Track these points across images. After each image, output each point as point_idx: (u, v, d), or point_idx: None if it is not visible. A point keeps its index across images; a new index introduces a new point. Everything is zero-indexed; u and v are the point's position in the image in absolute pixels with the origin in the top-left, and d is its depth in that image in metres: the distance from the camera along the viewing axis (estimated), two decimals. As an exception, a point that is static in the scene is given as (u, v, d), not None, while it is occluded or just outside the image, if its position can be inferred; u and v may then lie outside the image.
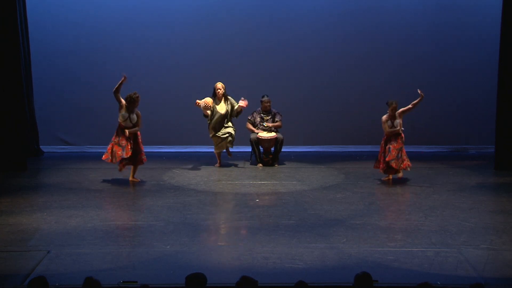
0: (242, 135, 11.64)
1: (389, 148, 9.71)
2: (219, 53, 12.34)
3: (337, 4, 12.41)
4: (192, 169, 10.97)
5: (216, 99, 10.88)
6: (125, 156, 9.69)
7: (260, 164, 11.21)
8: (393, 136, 9.75)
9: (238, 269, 6.39)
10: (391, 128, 9.74)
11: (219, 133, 10.87)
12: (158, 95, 12.16)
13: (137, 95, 9.78)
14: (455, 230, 7.64)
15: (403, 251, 6.94)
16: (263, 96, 11.36)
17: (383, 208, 8.90)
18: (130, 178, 9.96)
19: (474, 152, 12.47)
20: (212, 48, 12.34)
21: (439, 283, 6.00)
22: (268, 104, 11.32)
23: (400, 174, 9.94)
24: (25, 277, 6.19)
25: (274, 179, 10.34)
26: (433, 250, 6.99)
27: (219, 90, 10.88)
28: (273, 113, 11.40)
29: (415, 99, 9.86)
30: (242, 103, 10.86)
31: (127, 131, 9.67)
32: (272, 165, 11.21)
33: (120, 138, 9.74)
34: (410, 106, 9.86)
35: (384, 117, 9.82)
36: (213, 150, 11.16)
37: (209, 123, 10.90)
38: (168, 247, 7.12)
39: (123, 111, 9.75)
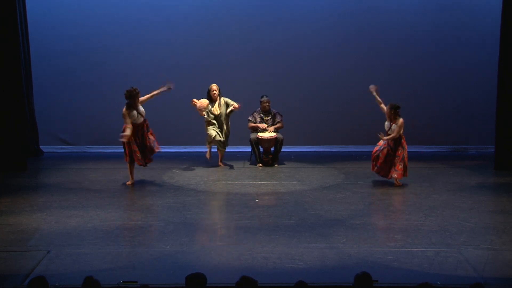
0: (242, 135, 11.65)
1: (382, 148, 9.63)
2: (219, 53, 12.35)
3: (337, 4, 12.41)
4: (192, 169, 10.97)
5: (211, 100, 10.89)
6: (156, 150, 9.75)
7: (260, 164, 11.21)
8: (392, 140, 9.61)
9: (238, 269, 6.39)
10: (388, 130, 9.61)
11: (214, 129, 10.84)
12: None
13: (135, 89, 9.66)
14: (455, 230, 7.64)
15: (403, 251, 6.95)
16: (262, 96, 11.36)
17: (383, 208, 8.89)
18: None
19: (474, 152, 12.47)
20: (212, 48, 12.34)
21: (439, 283, 6.00)
22: (267, 104, 11.32)
23: (395, 176, 9.76)
24: (25, 277, 6.20)
25: (274, 179, 10.34)
26: (433, 250, 6.99)
27: (214, 92, 10.88)
28: (273, 113, 11.40)
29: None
30: (235, 104, 10.87)
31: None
32: (272, 165, 11.21)
33: (134, 143, 9.65)
34: (395, 132, 9.48)
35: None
36: (214, 150, 11.16)
37: (206, 122, 10.92)
38: (168, 247, 7.13)
39: (131, 113, 9.60)
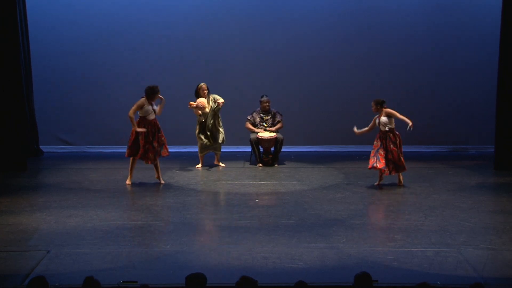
0: (242, 135, 11.66)
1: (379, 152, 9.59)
2: (219, 53, 12.35)
3: (337, 4, 12.41)
4: (192, 169, 10.97)
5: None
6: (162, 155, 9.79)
7: (260, 164, 11.21)
8: (383, 135, 9.58)
9: (238, 269, 6.39)
10: (378, 125, 9.60)
11: (205, 140, 10.87)
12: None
13: (156, 86, 9.72)
14: (455, 230, 7.64)
15: (402, 251, 6.95)
16: (262, 96, 11.36)
17: (383, 208, 8.90)
18: (156, 177, 9.96)
19: (474, 152, 12.47)
20: (212, 48, 12.34)
21: (439, 283, 6.00)
22: (267, 104, 11.32)
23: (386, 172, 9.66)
24: (25, 277, 6.20)
25: (274, 179, 10.34)
26: (433, 250, 6.99)
27: (205, 91, 10.88)
28: (272, 113, 11.40)
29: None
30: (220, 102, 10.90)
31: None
32: (272, 165, 11.21)
33: (147, 139, 9.63)
34: (398, 116, 9.51)
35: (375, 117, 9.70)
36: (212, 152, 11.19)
37: (198, 126, 10.91)
38: (168, 247, 7.13)
39: (146, 107, 9.62)
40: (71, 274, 6.29)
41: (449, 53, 12.38)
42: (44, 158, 12.05)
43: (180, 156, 11.73)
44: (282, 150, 11.35)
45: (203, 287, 5.06)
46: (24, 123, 11.17)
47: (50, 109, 12.42)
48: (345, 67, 12.43)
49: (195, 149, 11.24)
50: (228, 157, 11.50)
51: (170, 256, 6.84)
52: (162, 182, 9.90)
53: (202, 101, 10.75)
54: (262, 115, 11.39)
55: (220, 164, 11.15)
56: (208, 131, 10.92)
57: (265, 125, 11.32)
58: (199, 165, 11.07)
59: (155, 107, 9.78)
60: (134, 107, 9.63)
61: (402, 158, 9.57)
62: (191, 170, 10.89)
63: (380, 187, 9.68)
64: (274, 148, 11.29)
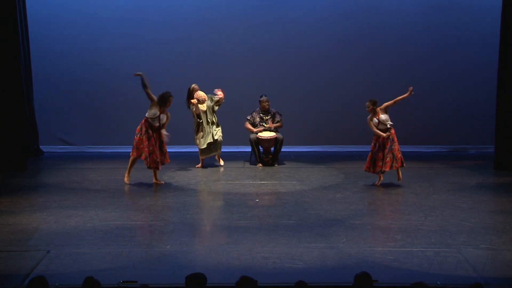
0: (242, 135, 11.66)
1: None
2: (219, 53, 12.35)
3: (337, 4, 12.41)
4: (192, 169, 10.97)
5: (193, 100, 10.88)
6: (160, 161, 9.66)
7: (260, 164, 11.21)
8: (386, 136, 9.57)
9: (238, 269, 6.38)
10: (380, 126, 9.57)
11: (205, 144, 10.87)
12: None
13: (170, 95, 9.63)
14: (455, 230, 7.64)
15: (402, 251, 6.94)
16: (261, 96, 11.36)
17: (383, 208, 8.90)
18: (154, 181, 9.90)
19: (474, 152, 12.47)
20: (212, 48, 12.34)
21: (439, 283, 6.00)
22: (267, 103, 11.32)
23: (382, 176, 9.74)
24: (25, 277, 6.19)
25: (274, 179, 10.34)
26: (432, 250, 6.98)
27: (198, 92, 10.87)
28: (272, 113, 11.40)
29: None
30: (220, 93, 10.87)
31: (164, 133, 9.59)
32: (272, 165, 11.21)
33: (150, 142, 9.60)
34: (396, 99, 9.56)
35: (368, 117, 9.67)
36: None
37: (196, 128, 10.91)
38: (168, 247, 7.13)
39: (155, 109, 9.59)
40: (71, 274, 6.28)
41: (449, 53, 12.38)
42: (44, 158, 12.06)
43: (180, 156, 11.73)
44: (282, 150, 11.36)
45: (203, 287, 5.05)
46: (24, 123, 11.17)
47: (50, 109, 12.42)
48: (345, 67, 12.43)
49: (195, 149, 11.23)
50: (228, 157, 11.50)
51: (170, 256, 6.84)
52: (162, 182, 9.89)
53: (200, 94, 10.74)
54: (261, 115, 11.39)
55: (221, 162, 11.15)
56: (206, 131, 10.88)
57: (265, 125, 11.32)
58: (199, 165, 11.07)
59: (163, 116, 9.62)
60: (152, 95, 9.58)
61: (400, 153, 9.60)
62: (191, 170, 10.89)
63: (380, 187, 9.68)
64: (274, 148, 11.29)
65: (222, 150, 11.22)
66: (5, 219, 8.04)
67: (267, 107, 11.35)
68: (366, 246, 7.14)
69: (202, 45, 12.34)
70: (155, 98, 9.62)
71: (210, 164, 11.18)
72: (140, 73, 9.68)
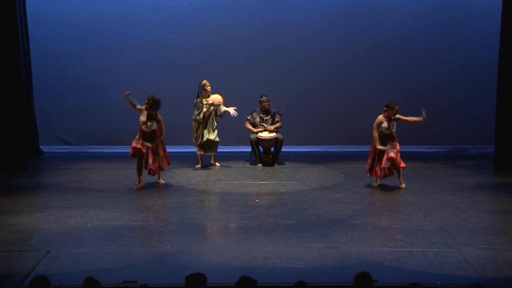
0: (242, 135, 11.66)
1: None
2: (219, 53, 12.35)
3: (337, 4, 12.41)
4: (192, 169, 10.97)
5: (205, 95, 10.86)
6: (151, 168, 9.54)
7: (260, 164, 11.22)
8: (388, 140, 9.53)
9: (238, 269, 6.39)
10: (386, 131, 9.52)
11: (201, 141, 10.87)
12: (158, 95, 12.09)
13: (154, 99, 9.47)
14: (455, 230, 7.64)
15: (403, 251, 6.94)
16: (261, 96, 11.36)
17: (383, 208, 8.90)
18: (159, 180, 9.88)
19: (474, 152, 12.48)
20: (212, 48, 12.34)
21: (439, 283, 6.00)
22: (267, 103, 11.32)
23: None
24: (25, 277, 6.20)
25: (274, 179, 10.34)
26: (433, 250, 6.99)
27: (209, 88, 10.86)
28: (272, 113, 11.40)
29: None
30: (232, 111, 10.86)
31: (149, 145, 9.48)
32: (272, 165, 11.21)
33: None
34: (408, 119, 9.62)
35: (380, 117, 9.59)
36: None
37: (197, 125, 10.90)
38: (168, 247, 7.13)
39: (142, 117, 9.52)
40: (71, 274, 6.29)
41: (449, 53, 12.38)
42: (44, 158, 12.06)
43: (180, 156, 11.73)
44: (282, 150, 11.36)
45: (203, 287, 5.06)
46: (24, 123, 11.17)
47: (50, 109, 12.42)
48: (345, 67, 12.43)
49: (195, 149, 11.23)
50: (228, 157, 11.50)
51: (170, 256, 6.85)
52: (163, 182, 9.89)
53: (215, 97, 10.73)
54: (262, 115, 11.39)
55: (217, 164, 11.15)
56: (205, 130, 10.88)
57: (265, 125, 11.32)
58: (199, 165, 11.07)
59: (152, 123, 9.49)
60: (138, 108, 9.56)
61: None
62: (191, 170, 10.89)
63: (379, 187, 9.68)
64: (274, 148, 11.29)
65: (223, 150, 11.22)
66: (5, 219, 8.04)
67: (267, 107, 11.36)
68: (366, 246, 7.14)
69: (202, 45, 12.34)
70: (141, 107, 9.54)
71: (210, 164, 11.19)
72: (126, 94, 9.58)
